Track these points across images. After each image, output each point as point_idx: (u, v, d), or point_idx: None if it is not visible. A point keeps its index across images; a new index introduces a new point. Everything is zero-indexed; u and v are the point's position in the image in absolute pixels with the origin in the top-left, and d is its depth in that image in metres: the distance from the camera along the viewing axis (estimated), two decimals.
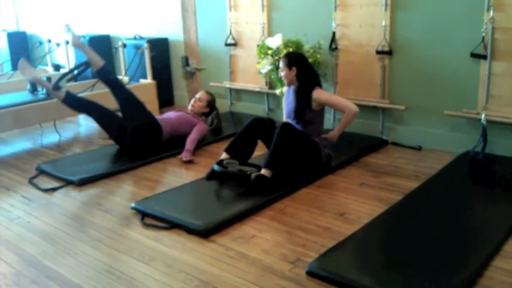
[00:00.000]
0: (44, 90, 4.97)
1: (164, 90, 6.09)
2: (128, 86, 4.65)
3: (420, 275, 2.29)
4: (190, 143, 4.20)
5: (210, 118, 4.74)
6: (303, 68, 3.69)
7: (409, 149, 4.23)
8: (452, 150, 4.00)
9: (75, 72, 4.63)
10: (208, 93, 4.72)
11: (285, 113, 3.84)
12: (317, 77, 3.78)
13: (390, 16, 4.21)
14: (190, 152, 4.14)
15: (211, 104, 4.67)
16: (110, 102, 4.34)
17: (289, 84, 3.77)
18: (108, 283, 2.37)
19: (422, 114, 4.24)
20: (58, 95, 4.29)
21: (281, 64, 3.74)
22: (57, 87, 4.27)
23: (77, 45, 4.47)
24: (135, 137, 4.20)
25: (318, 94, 3.62)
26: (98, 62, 4.29)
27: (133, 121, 4.20)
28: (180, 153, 4.15)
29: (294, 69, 3.66)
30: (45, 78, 5.00)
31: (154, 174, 3.85)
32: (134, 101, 4.31)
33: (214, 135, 4.70)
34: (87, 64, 4.49)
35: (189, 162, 4.06)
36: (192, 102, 4.63)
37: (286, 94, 3.90)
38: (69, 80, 4.48)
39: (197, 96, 4.67)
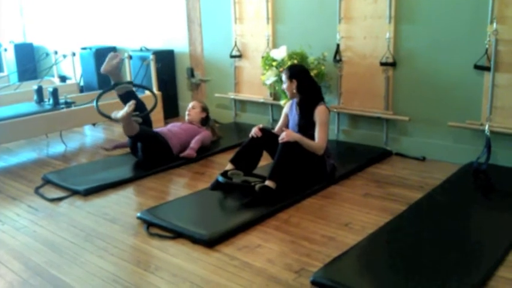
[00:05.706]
0: (51, 101, 5.01)
1: (169, 101, 6.13)
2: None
3: (424, 285, 2.30)
4: (195, 142, 4.41)
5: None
6: (303, 80, 3.70)
7: (413, 160, 4.24)
8: (456, 161, 4.01)
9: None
10: (198, 101, 4.94)
11: (290, 126, 3.85)
12: (319, 90, 3.78)
13: (394, 28, 4.24)
14: (194, 150, 4.35)
15: (205, 109, 4.78)
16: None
17: (291, 97, 3.79)
18: None
19: (426, 125, 4.26)
20: None
21: (283, 77, 3.77)
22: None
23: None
24: (145, 155, 4.23)
25: (317, 111, 3.63)
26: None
27: (143, 140, 4.20)
28: (185, 163, 4.23)
29: (295, 82, 3.68)
30: (51, 89, 5.04)
31: (159, 184, 3.87)
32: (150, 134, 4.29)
33: (218, 145, 4.73)
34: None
35: (190, 158, 4.29)
36: (187, 113, 4.73)
37: (290, 108, 3.90)
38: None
39: (190, 106, 4.78)
